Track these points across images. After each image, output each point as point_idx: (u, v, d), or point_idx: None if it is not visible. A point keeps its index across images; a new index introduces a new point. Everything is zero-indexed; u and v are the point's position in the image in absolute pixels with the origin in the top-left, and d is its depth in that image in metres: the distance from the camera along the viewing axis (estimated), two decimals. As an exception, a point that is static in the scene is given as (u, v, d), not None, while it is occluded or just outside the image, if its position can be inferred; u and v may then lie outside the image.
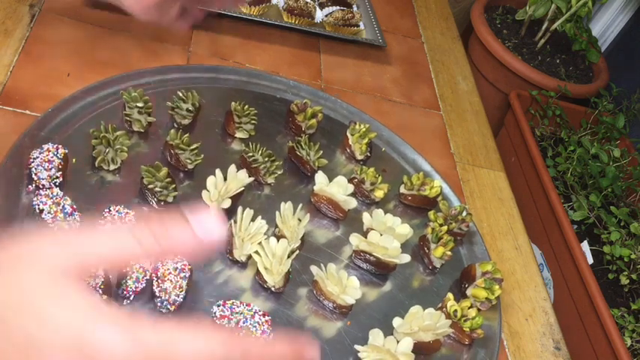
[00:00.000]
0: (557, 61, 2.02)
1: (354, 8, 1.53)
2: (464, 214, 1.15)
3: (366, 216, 1.08)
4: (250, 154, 1.08)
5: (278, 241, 0.95)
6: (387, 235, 1.04)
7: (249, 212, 0.96)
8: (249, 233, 0.95)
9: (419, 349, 0.95)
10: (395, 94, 1.45)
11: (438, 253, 1.07)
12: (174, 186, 0.98)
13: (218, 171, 1.01)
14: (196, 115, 1.13)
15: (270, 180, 1.09)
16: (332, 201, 1.08)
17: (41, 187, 0.92)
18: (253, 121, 1.14)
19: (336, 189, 1.08)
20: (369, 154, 1.22)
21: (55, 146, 0.93)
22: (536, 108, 1.82)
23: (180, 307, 0.88)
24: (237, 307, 0.87)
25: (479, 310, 1.02)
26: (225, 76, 1.26)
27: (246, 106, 1.14)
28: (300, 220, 1.01)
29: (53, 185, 0.92)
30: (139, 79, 1.16)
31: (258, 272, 0.95)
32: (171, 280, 0.86)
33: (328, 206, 1.08)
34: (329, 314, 0.97)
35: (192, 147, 1.03)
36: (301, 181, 1.14)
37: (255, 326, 0.86)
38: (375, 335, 0.93)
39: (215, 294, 0.92)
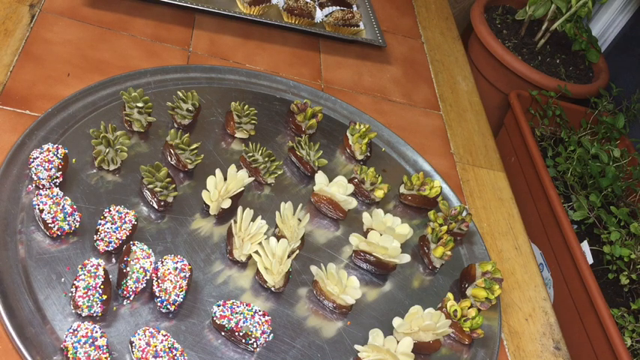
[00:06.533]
0: (557, 61, 2.01)
1: (354, 8, 1.53)
2: (464, 214, 1.15)
3: (366, 216, 1.08)
4: (250, 154, 1.08)
5: (278, 241, 0.95)
6: (387, 235, 1.04)
7: (249, 212, 0.96)
8: (249, 233, 0.95)
9: (419, 349, 0.95)
10: (395, 94, 1.45)
11: (438, 253, 1.07)
12: (174, 186, 0.98)
13: (218, 171, 1.01)
14: (196, 115, 1.13)
15: (270, 180, 1.09)
16: (332, 201, 1.08)
17: (41, 187, 0.92)
18: (253, 121, 1.14)
19: (336, 189, 1.08)
20: (369, 154, 1.22)
21: (55, 146, 0.93)
22: (536, 108, 1.82)
23: (180, 307, 0.89)
24: (237, 307, 0.87)
25: (479, 310, 1.02)
26: (225, 76, 1.26)
27: (246, 106, 1.14)
28: (300, 220, 1.01)
29: (53, 185, 0.92)
30: (139, 79, 1.16)
31: (258, 272, 0.95)
32: (171, 280, 0.86)
33: (328, 206, 1.08)
34: (329, 314, 0.97)
35: (192, 147, 1.03)
36: (301, 181, 1.14)
37: (255, 326, 0.86)
38: (375, 335, 0.93)
39: (215, 294, 0.92)
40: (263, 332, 0.86)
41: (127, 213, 0.91)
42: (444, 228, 1.09)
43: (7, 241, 0.86)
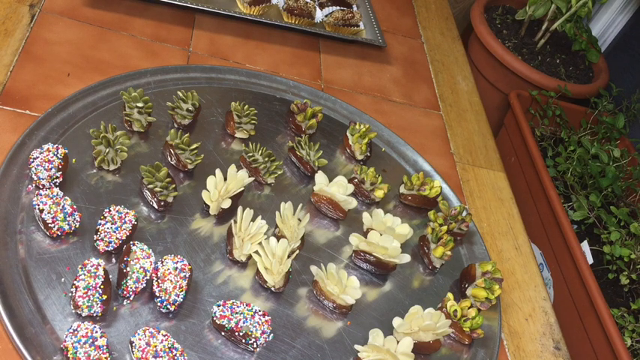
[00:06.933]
0: (557, 61, 2.01)
1: (354, 8, 1.53)
2: (464, 214, 1.15)
3: (366, 216, 1.08)
4: (250, 154, 1.08)
5: (278, 241, 0.95)
6: (387, 235, 1.04)
7: (249, 212, 0.96)
8: (249, 233, 0.95)
9: (419, 349, 0.95)
10: (395, 94, 1.45)
11: (438, 253, 1.07)
12: (174, 186, 0.98)
13: (218, 171, 1.01)
14: (196, 115, 1.13)
15: (270, 180, 1.09)
16: (332, 201, 1.08)
17: (41, 187, 0.92)
18: (253, 121, 1.14)
19: (336, 189, 1.08)
20: (369, 154, 1.22)
21: (55, 146, 0.93)
22: (536, 108, 1.82)
23: (180, 307, 0.88)
24: (237, 307, 0.87)
25: (479, 310, 1.02)
26: (225, 76, 1.26)
27: (246, 106, 1.14)
28: (300, 220, 1.01)
29: (53, 185, 0.92)
30: (139, 79, 1.16)
31: (258, 272, 0.95)
32: (171, 280, 0.86)
33: (328, 206, 1.08)
34: (329, 314, 0.97)
35: (192, 147, 1.03)
36: (301, 181, 1.14)
37: (255, 326, 0.86)
38: (375, 335, 0.93)
39: (215, 294, 0.92)
40: (263, 332, 0.86)
41: (127, 213, 0.91)
42: (444, 228, 1.09)
43: (7, 241, 0.86)
